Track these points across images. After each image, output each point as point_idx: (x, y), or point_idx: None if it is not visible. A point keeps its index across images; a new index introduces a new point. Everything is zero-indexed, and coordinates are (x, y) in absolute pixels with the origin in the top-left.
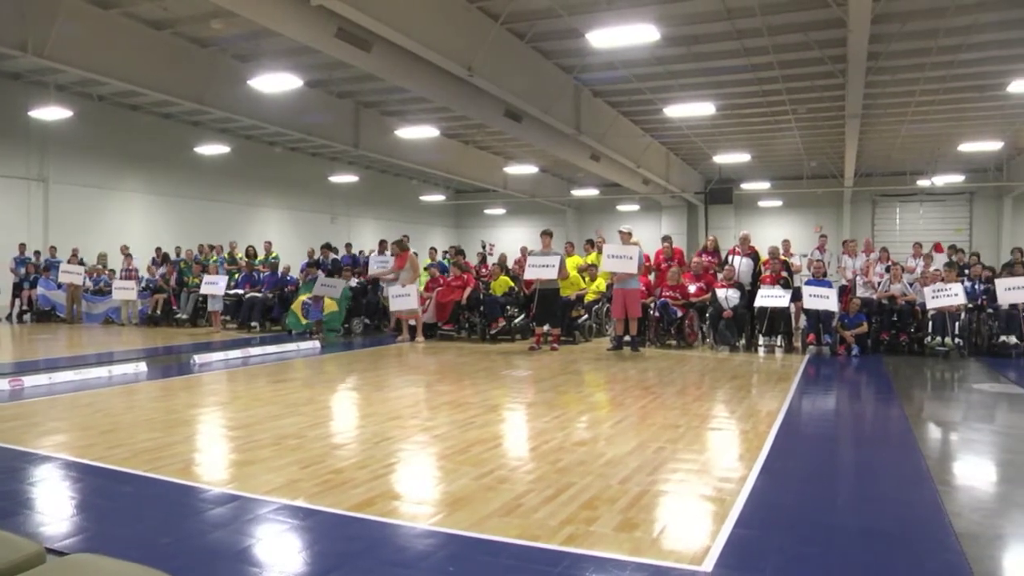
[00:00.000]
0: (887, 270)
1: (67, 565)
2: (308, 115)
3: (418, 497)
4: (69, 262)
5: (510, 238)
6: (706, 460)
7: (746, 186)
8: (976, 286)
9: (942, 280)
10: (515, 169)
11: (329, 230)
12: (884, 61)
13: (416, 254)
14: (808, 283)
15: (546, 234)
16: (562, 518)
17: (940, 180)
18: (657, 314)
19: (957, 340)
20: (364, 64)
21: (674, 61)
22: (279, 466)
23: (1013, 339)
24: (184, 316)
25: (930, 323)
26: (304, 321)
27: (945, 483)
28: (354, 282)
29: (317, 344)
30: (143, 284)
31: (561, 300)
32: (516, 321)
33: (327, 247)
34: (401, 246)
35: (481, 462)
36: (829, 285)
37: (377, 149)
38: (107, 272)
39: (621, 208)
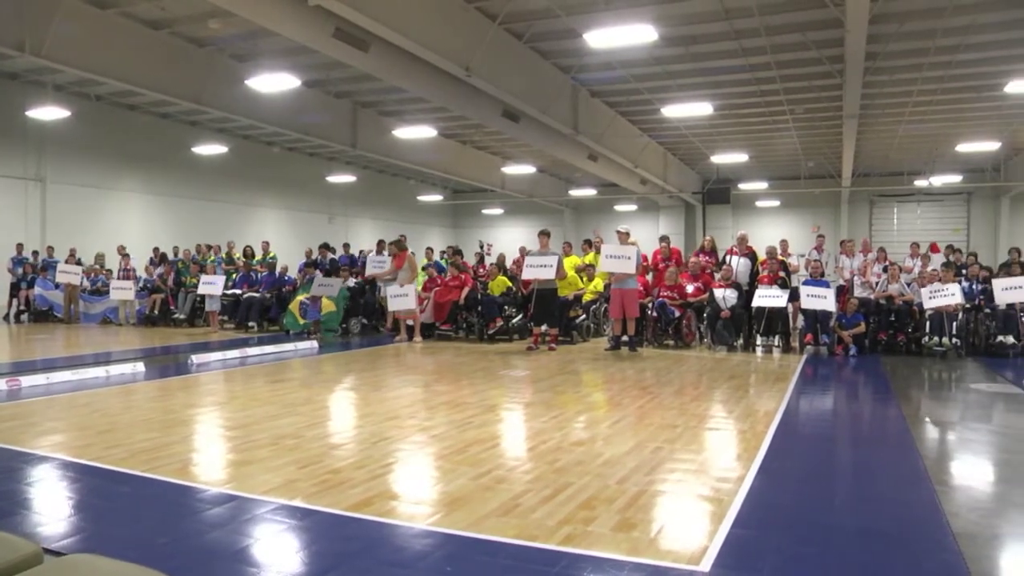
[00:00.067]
0: (885, 270)
1: (64, 565)
2: (306, 115)
3: (416, 497)
4: (67, 262)
5: (508, 238)
6: (704, 460)
7: (744, 186)
8: (974, 286)
9: (939, 280)
10: (513, 169)
11: (327, 230)
12: (882, 61)
13: (413, 253)
14: (806, 283)
15: (544, 234)
16: (560, 518)
17: (938, 180)
18: (655, 314)
19: (954, 340)
20: (362, 64)
21: (672, 61)
22: (277, 466)
23: (1010, 339)
24: (182, 316)
25: (927, 323)
26: (302, 321)
27: (942, 483)
28: (352, 282)
29: (315, 344)
30: (141, 284)
31: (559, 300)
32: (514, 321)
33: (325, 247)
34: (399, 246)
35: (479, 462)
36: (827, 285)
37: (375, 149)
38: (105, 272)
39: (619, 208)
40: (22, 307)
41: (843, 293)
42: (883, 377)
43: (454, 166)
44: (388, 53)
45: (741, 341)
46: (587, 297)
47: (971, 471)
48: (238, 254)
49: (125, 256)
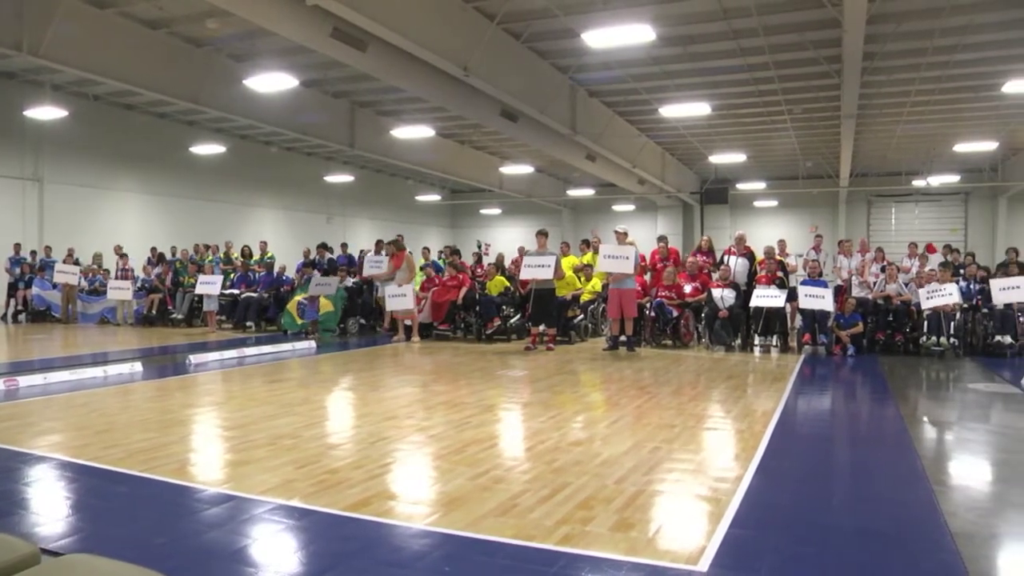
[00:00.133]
0: (882, 270)
1: (62, 565)
2: (303, 115)
3: (414, 497)
4: (64, 262)
5: (506, 238)
6: (702, 460)
7: (742, 186)
8: (971, 286)
9: (937, 280)
10: (511, 169)
11: (325, 230)
12: (879, 61)
13: (411, 253)
14: (804, 283)
15: (542, 234)
16: (558, 518)
17: (935, 180)
18: (653, 314)
19: (952, 340)
20: (360, 64)
21: (670, 61)
22: (274, 466)
23: (1008, 339)
24: (180, 316)
25: (925, 323)
26: (300, 321)
27: (940, 483)
28: (350, 282)
29: (313, 344)
30: (138, 284)
31: (557, 300)
32: (512, 321)
33: (323, 247)
34: (398, 246)
35: (477, 462)
36: (825, 285)
37: (373, 149)
38: (102, 272)
39: (617, 208)
40: (20, 307)
41: (841, 293)
42: (881, 377)
43: (452, 166)
44: (386, 53)
45: (739, 341)
46: (585, 297)
47: (969, 471)
48: (236, 254)
49: (123, 256)
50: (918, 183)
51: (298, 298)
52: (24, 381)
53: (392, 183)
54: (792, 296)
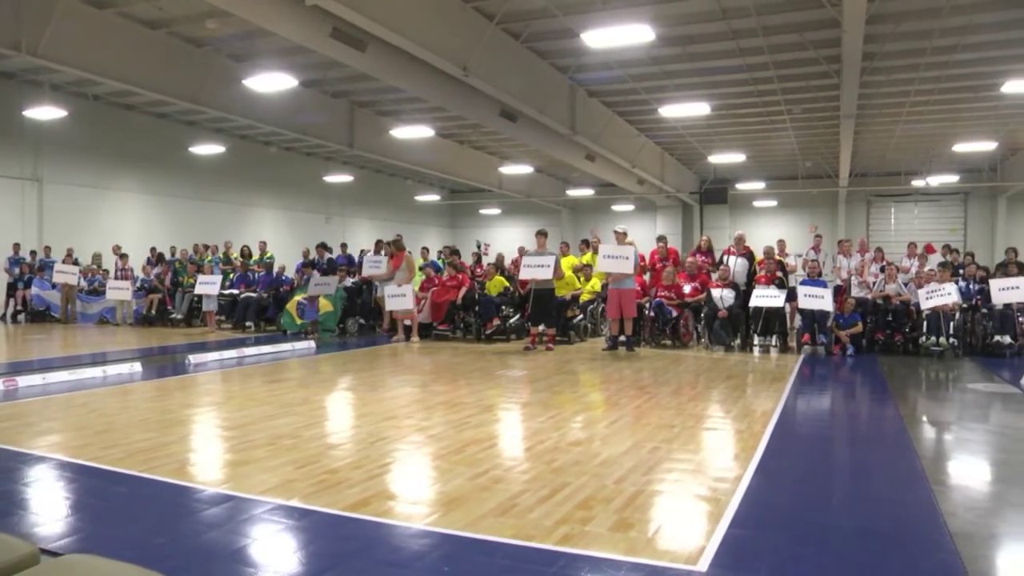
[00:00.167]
0: (882, 270)
1: (61, 566)
2: (303, 115)
3: (413, 497)
4: (64, 262)
5: (505, 238)
6: (701, 460)
7: (741, 186)
8: (971, 286)
9: (936, 280)
10: (510, 169)
11: (324, 230)
12: (879, 61)
13: (410, 253)
14: (803, 283)
15: (541, 234)
16: (557, 518)
17: (935, 180)
18: (652, 314)
19: (952, 340)
20: (359, 64)
21: (669, 61)
22: (274, 466)
23: (1007, 339)
24: (179, 316)
25: (925, 323)
26: (299, 321)
27: (940, 483)
28: (349, 282)
29: (312, 344)
30: (138, 284)
31: (556, 300)
32: (511, 321)
33: (322, 247)
34: (397, 246)
35: (476, 462)
36: (824, 285)
37: (372, 149)
38: (102, 272)
39: (616, 208)
40: (19, 307)
41: (840, 293)
42: (880, 377)
43: (451, 166)
44: (385, 53)
45: (738, 341)
46: (584, 297)
47: (968, 471)
48: (235, 254)
49: (122, 256)
50: (917, 183)
51: (297, 298)
52: (23, 381)
53: (391, 183)
54: (791, 296)
